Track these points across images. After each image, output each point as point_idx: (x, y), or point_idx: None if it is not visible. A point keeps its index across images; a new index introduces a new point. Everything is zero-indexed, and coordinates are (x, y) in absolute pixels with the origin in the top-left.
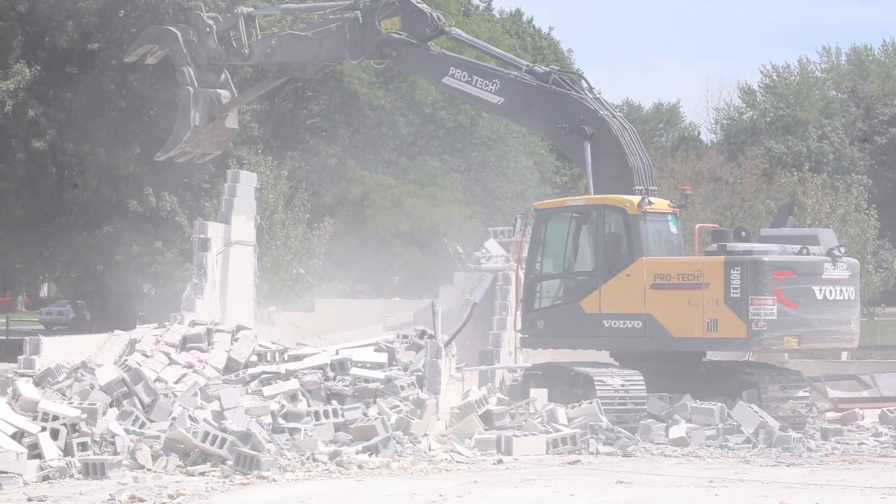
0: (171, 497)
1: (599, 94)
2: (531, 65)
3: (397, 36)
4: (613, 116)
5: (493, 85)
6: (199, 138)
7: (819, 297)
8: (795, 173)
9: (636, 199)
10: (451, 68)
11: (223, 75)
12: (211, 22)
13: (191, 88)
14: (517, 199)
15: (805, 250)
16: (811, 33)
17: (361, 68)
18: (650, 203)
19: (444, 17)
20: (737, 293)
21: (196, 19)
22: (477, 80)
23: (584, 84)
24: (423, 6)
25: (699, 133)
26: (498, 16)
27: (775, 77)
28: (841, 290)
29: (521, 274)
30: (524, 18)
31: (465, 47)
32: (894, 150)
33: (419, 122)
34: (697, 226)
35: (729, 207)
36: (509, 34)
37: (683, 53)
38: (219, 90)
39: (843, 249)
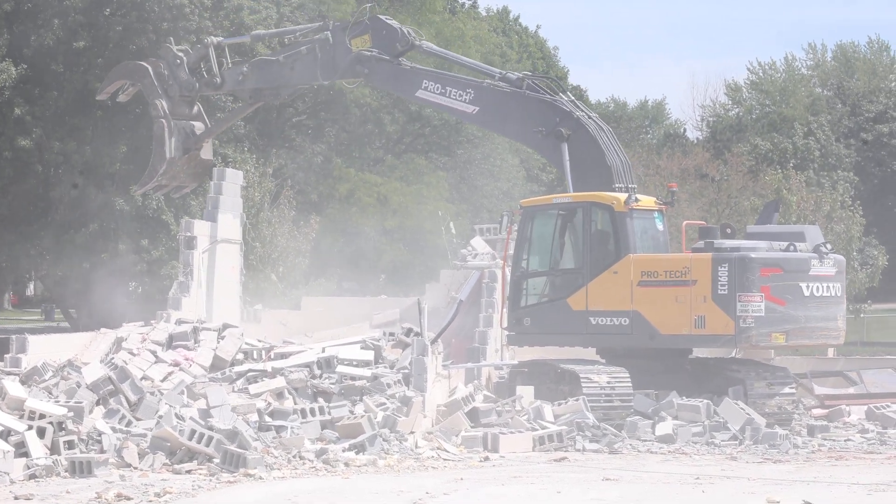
0: (157, 495)
1: (572, 97)
2: (504, 72)
3: (368, 53)
4: (589, 117)
5: (466, 95)
6: (174, 171)
7: (806, 293)
8: (781, 170)
9: (623, 196)
10: (425, 81)
11: (196, 107)
12: (181, 54)
13: (164, 121)
14: (503, 197)
15: (792, 247)
16: (798, 30)
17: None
18: (637, 200)
19: (415, 31)
20: (724, 290)
21: (166, 52)
22: (451, 91)
23: (557, 87)
24: (393, 22)
25: (685, 130)
26: (484, 13)
27: (761, 74)
28: (828, 287)
29: (508, 271)
30: (511, 16)
31: (438, 60)
32: (880, 147)
33: (405, 120)
34: (684, 223)
35: (715, 204)
36: (496, 32)
37: (670, 51)
38: (192, 122)
39: (829, 246)
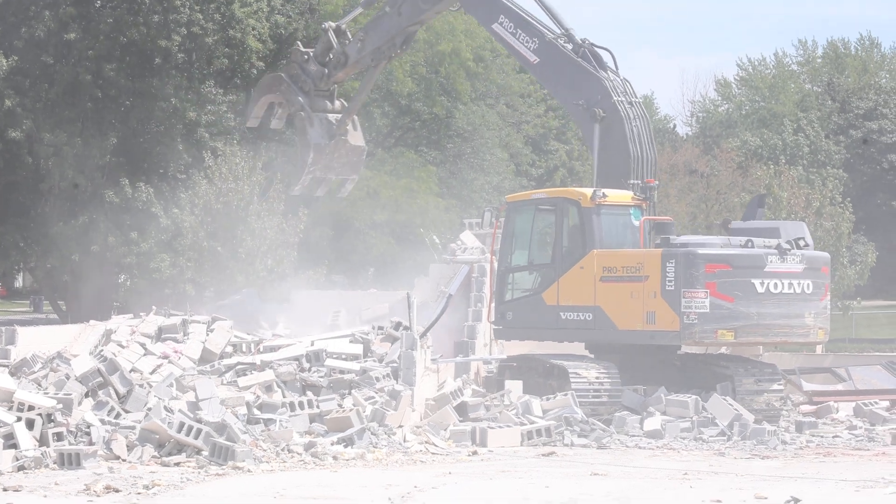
0: (146, 487)
1: (624, 77)
2: (569, 30)
3: None
4: (630, 104)
5: (532, 42)
6: (325, 161)
7: (760, 290)
8: (771, 166)
9: (589, 191)
10: (501, 16)
11: (338, 102)
12: (308, 50)
13: (302, 112)
14: (493, 192)
15: (750, 243)
16: (788, 27)
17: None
18: (604, 196)
19: None
20: (671, 286)
21: (295, 53)
22: (520, 34)
23: (613, 63)
24: None
25: (675, 126)
26: None
27: (751, 70)
28: (790, 284)
29: (496, 266)
30: None
31: None
32: (869, 143)
33: (395, 114)
34: (643, 218)
35: (704, 200)
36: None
37: (659, 46)
38: (333, 114)
39: (802, 243)
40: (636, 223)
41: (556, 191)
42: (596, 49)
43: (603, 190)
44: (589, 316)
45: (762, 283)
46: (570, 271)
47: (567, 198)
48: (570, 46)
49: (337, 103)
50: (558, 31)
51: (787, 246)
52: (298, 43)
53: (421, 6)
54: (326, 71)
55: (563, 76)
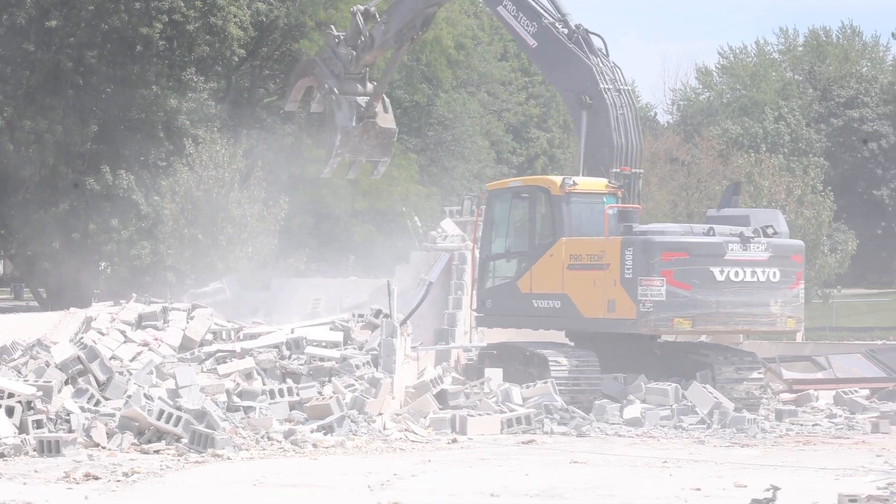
0: (125, 475)
1: (614, 63)
2: (565, 15)
3: None
4: (618, 91)
5: (532, 26)
6: (354, 143)
7: (720, 278)
8: (752, 155)
9: (559, 179)
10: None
11: (369, 85)
12: (340, 34)
13: (330, 95)
14: (473, 179)
15: (711, 231)
16: (770, 15)
17: (319, 47)
18: (574, 184)
19: None
20: (630, 274)
21: (327, 36)
22: (521, 17)
23: (604, 50)
24: None
25: (655, 114)
26: None
27: (732, 58)
28: (754, 272)
29: (477, 254)
30: None
31: None
32: (850, 132)
33: None
34: (607, 207)
35: (685, 188)
36: (466, 14)
37: (640, 34)
38: (363, 97)
39: (770, 231)
40: (612, 212)
41: (529, 179)
42: (590, 35)
43: (573, 178)
44: (557, 304)
45: (722, 272)
46: (542, 259)
47: (539, 185)
48: (565, 31)
49: (369, 86)
50: (556, 16)
51: (751, 234)
52: (332, 27)
53: None
54: (355, 53)
55: (557, 61)
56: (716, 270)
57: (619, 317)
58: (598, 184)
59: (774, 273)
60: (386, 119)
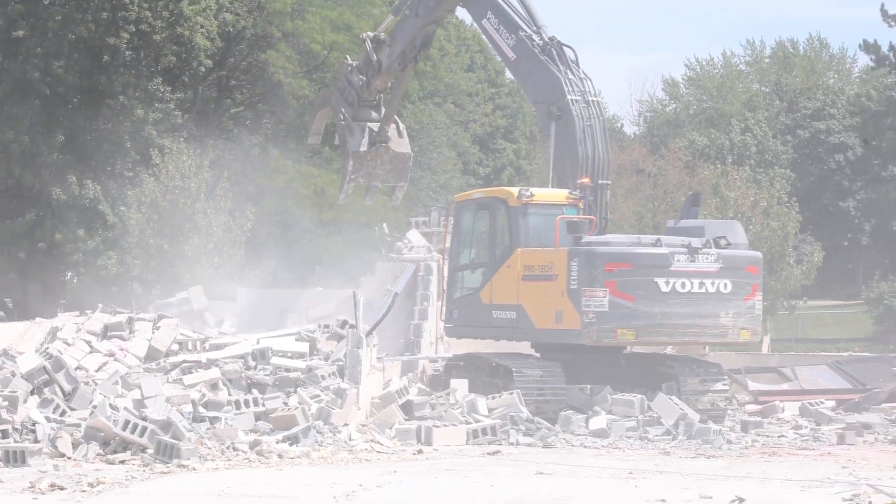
0: (91, 485)
1: (585, 74)
2: (542, 27)
3: None
4: (587, 103)
5: (511, 39)
6: (367, 168)
7: (665, 289)
8: (718, 166)
9: (516, 190)
10: (489, 12)
11: (383, 111)
12: (353, 62)
13: (342, 122)
14: (440, 190)
15: (659, 242)
16: (737, 27)
17: (286, 58)
18: (530, 195)
19: None
20: (575, 284)
21: (341, 65)
22: (502, 30)
23: (575, 61)
24: None
25: (622, 125)
26: None
27: (699, 70)
28: (702, 283)
29: (444, 265)
30: None
31: None
32: (817, 143)
33: None
34: (558, 218)
35: (651, 200)
36: None
37: (607, 46)
38: (375, 123)
39: (723, 242)
40: (586, 222)
41: (490, 190)
42: (563, 47)
43: (530, 189)
44: (513, 314)
45: (667, 283)
46: (500, 270)
47: (497, 197)
48: (539, 43)
49: (383, 111)
50: (532, 28)
51: (699, 245)
52: (347, 56)
53: (430, 4)
54: (365, 79)
55: (530, 73)
56: (661, 281)
57: (565, 328)
58: (557, 195)
59: (725, 284)
60: (400, 144)
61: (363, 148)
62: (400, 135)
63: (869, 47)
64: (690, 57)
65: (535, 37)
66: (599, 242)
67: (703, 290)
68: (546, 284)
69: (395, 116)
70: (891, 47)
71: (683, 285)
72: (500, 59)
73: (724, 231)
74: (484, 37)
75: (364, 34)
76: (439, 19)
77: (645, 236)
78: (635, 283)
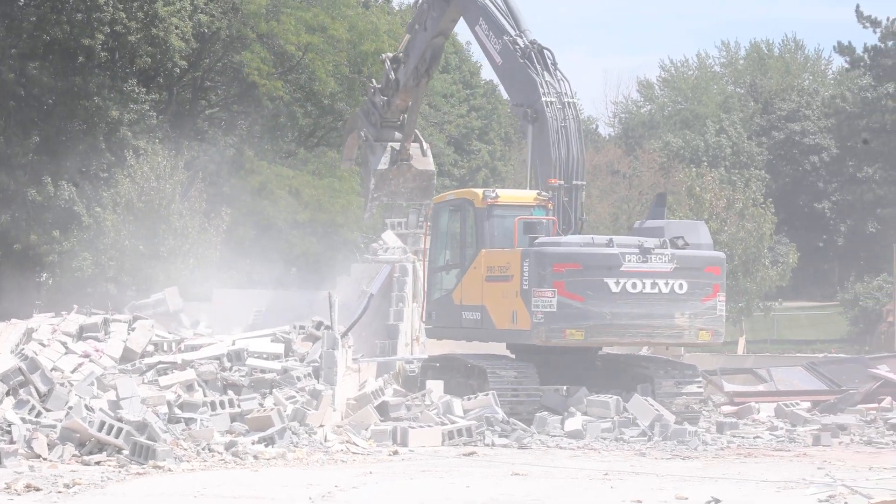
0: (66, 486)
1: (563, 76)
2: (525, 31)
3: None
4: (563, 104)
5: (498, 44)
6: (390, 186)
7: (615, 289)
8: (693, 168)
9: (481, 191)
10: (481, 18)
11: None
12: (377, 85)
13: (364, 142)
14: None
15: (611, 242)
16: (712, 28)
17: (260, 59)
18: (496, 196)
19: None
20: (526, 285)
21: (367, 88)
22: (490, 36)
23: (552, 64)
24: None
25: (597, 126)
26: (397, 8)
27: (674, 71)
28: (655, 283)
29: (420, 266)
30: None
31: None
32: (792, 145)
33: (318, 114)
34: (517, 219)
35: (626, 201)
36: None
37: (582, 47)
38: (397, 143)
39: (681, 242)
40: (544, 223)
41: (459, 192)
42: (543, 50)
43: (496, 190)
44: (478, 315)
45: (617, 283)
46: (468, 271)
47: (465, 198)
48: (521, 47)
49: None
50: (515, 32)
51: (651, 245)
52: (373, 80)
53: (434, 16)
54: (386, 99)
55: (513, 78)
56: (611, 282)
57: (519, 328)
58: (524, 196)
59: (681, 285)
60: (423, 161)
61: (384, 166)
62: (424, 153)
63: (844, 49)
64: (665, 58)
65: (518, 40)
66: (550, 243)
67: (655, 291)
68: (504, 285)
69: (419, 135)
70: (865, 49)
71: (634, 285)
72: (490, 65)
73: (687, 231)
74: (477, 44)
75: (383, 55)
76: (445, 31)
77: (599, 237)
78: (584, 284)
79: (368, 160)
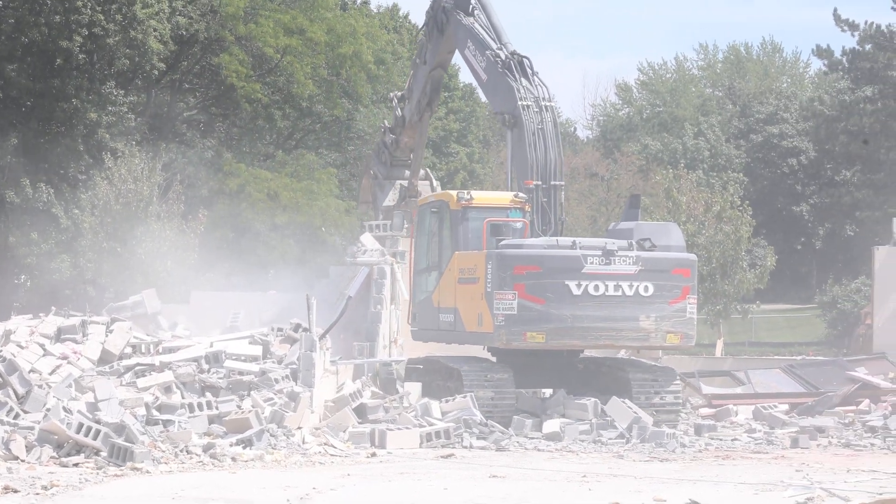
0: (44, 488)
1: (541, 81)
2: (507, 44)
3: (449, 6)
4: (540, 108)
5: (483, 61)
6: (398, 222)
7: (577, 292)
8: (671, 170)
9: (455, 193)
10: (469, 41)
11: (422, 171)
12: (388, 124)
13: (372, 182)
14: None
15: (575, 244)
16: (689, 31)
17: (239, 62)
18: (470, 198)
19: None
20: (490, 287)
21: (379, 130)
22: (477, 55)
23: (530, 69)
24: None
25: (575, 129)
26: (375, 10)
27: (652, 74)
28: (618, 286)
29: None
30: (400, 14)
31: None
32: (770, 148)
33: (296, 116)
34: (486, 220)
35: (604, 203)
36: (386, 30)
37: (559, 49)
38: (405, 180)
39: (648, 244)
40: (518, 225)
41: (438, 194)
42: (522, 59)
43: (470, 192)
44: (451, 317)
45: (579, 285)
46: (444, 273)
47: (441, 200)
48: (502, 58)
49: (421, 171)
50: (497, 46)
51: (614, 248)
52: (385, 121)
53: (431, 49)
54: (393, 136)
55: (496, 88)
56: (572, 284)
57: (483, 330)
58: (500, 198)
59: (646, 287)
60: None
61: (391, 203)
62: (433, 188)
63: (822, 52)
64: (643, 61)
65: (500, 53)
66: (513, 245)
67: (619, 293)
68: (472, 287)
69: (430, 173)
70: (843, 52)
71: (597, 288)
72: (478, 85)
73: (658, 233)
74: (467, 67)
75: (391, 93)
76: (443, 63)
77: (563, 238)
78: (545, 286)
79: (377, 198)
